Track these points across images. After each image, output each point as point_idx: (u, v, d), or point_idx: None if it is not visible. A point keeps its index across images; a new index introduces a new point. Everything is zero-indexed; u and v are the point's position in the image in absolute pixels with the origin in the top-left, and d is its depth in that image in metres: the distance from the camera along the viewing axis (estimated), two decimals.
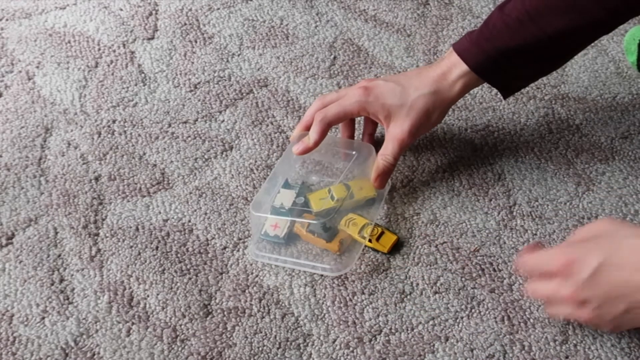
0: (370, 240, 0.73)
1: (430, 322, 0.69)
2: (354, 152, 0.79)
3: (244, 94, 0.93)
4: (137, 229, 0.77)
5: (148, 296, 0.71)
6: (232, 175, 0.83)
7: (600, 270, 0.58)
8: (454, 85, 0.76)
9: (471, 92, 0.93)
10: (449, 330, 0.68)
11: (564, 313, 0.64)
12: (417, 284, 0.72)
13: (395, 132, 0.76)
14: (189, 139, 0.87)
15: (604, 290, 0.58)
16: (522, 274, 0.71)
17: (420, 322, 0.69)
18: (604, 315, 0.60)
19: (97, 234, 0.76)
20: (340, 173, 0.80)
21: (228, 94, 0.93)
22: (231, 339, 0.68)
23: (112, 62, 0.97)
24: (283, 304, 0.70)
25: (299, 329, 0.69)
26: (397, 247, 0.75)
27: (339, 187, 0.76)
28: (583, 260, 0.59)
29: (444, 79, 0.76)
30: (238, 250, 0.75)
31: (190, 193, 0.81)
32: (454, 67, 0.76)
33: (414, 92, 0.76)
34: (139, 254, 0.75)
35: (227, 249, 0.75)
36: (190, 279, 0.72)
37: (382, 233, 0.74)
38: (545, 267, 0.63)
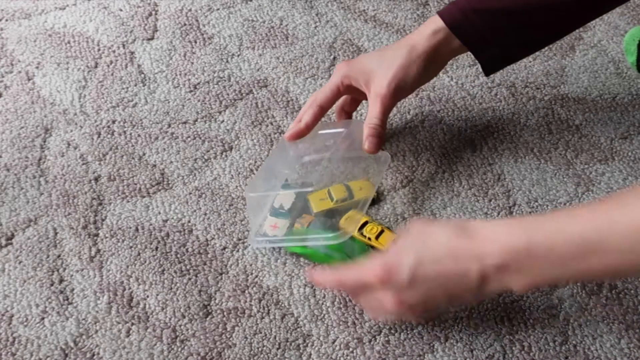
0: (369, 239, 0.73)
1: (430, 323, 0.69)
2: (341, 130, 0.80)
3: (244, 95, 0.93)
4: (137, 230, 0.77)
5: (148, 296, 0.71)
6: (232, 175, 0.83)
7: (415, 271, 0.58)
8: (428, 39, 0.76)
9: (470, 92, 0.93)
10: (449, 330, 0.68)
11: (392, 318, 0.67)
12: None
13: (375, 92, 0.76)
14: (189, 139, 0.87)
15: (424, 288, 0.59)
16: (334, 287, 0.70)
17: (420, 322, 0.69)
18: (428, 311, 0.65)
19: (97, 235, 0.76)
20: (331, 149, 0.79)
21: (228, 94, 0.93)
22: (231, 339, 0.68)
23: (111, 62, 0.97)
24: (283, 305, 0.70)
25: (298, 329, 0.69)
26: None
27: (338, 187, 0.76)
28: (399, 263, 0.59)
29: (418, 36, 0.77)
30: (238, 251, 0.75)
31: (190, 193, 0.81)
32: (429, 23, 0.77)
33: (389, 52, 0.77)
34: (139, 254, 0.75)
35: (226, 250, 0.75)
36: (189, 279, 0.72)
37: (381, 231, 0.74)
38: (364, 280, 0.61)
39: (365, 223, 0.74)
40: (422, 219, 0.73)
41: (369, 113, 0.77)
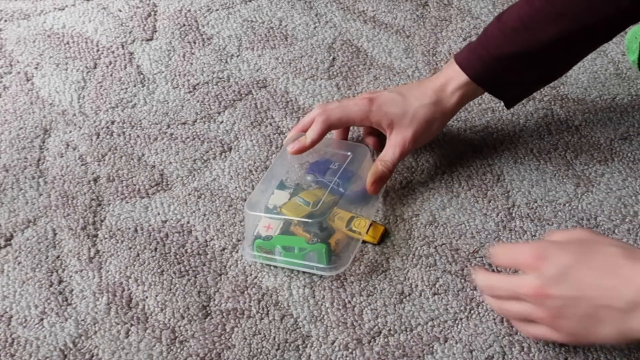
0: (360, 234, 0.73)
1: (430, 323, 0.69)
2: (348, 153, 0.79)
3: (243, 95, 0.93)
4: (136, 230, 0.77)
5: (147, 297, 0.71)
6: (231, 176, 0.83)
7: (569, 269, 0.57)
8: (452, 96, 0.78)
9: None
10: (448, 331, 0.68)
11: (522, 310, 0.62)
12: (416, 285, 0.72)
13: (397, 139, 0.78)
14: (188, 140, 0.87)
15: (570, 288, 0.57)
16: (493, 262, 0.69)
17: (420, 323, 0.69)
18: (564, 317, 0.58)
19: (96, 235, 0.76)
20: (334, 175, 0.79)
21: (227, 95, 0.93)
22: (230, 340, 0.68)
23: (110, 63, 0.97)
24: (282, 305, 0.70)
25: (298, 330, 0.69)
26: (394, 246, 0.75)
27: (306, 193, 0.76)
28: (553, 257, 0.59)
29: (443, 90, 0.78)
30: (237, 252, 0.75)
31: (189, 194, 0.81)
32: (453, 78, 0.78)
33: (415, 101, 0.78)
34: (138, 255, 0.74)
35: (226, 250, 0.75)
36: (189, 280, 0.72)
37: (370, 225, 0.75)
38: (515, 256, 0.62)
39: (352, 218, 0.74)
40: (590, 229, 0.73)
41: (385, 155, 0.78)
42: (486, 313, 0.70)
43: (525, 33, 0.74)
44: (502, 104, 0.88)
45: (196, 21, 1.04)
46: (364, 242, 0.75)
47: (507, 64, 0.75)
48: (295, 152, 0.77)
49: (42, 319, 0.69)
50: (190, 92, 0.93)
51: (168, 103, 0.92)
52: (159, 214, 0.79)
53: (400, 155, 0.78)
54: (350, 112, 0.78)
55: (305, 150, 0.77)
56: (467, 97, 0.79)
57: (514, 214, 0.78)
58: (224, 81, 0.95)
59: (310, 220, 0.73)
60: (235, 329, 0.68)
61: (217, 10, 1.06)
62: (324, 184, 0.78)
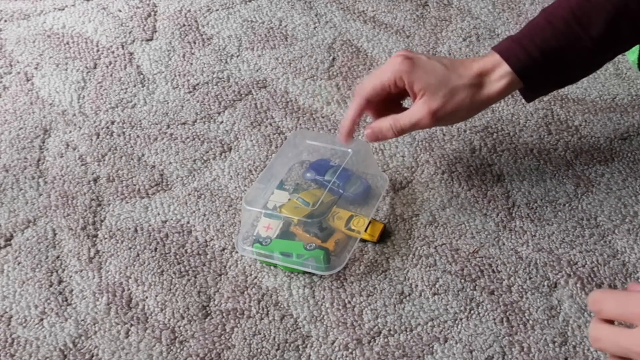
0: (359, 232, 0.74)
1: (429, 324, 0.69)
2: (349, 150, 0.79)
3: (243, 95, 0.93)
4: (136, 230, 0.77)
5: (147, 297, 0.71)
6: (231, 176, 0.83)
7: None
8: (495, 83, 0.70)
9: None
10: (448, 331, 0.68)
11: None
12: (416, 286, 0.72)
13: (421, 108, 0.70)
14: (188, 140, 0.87)
15: None
16: (595, 309, 0.54)
17: (419, 324, 0.69)
18: None
19: (96, 236, 0.76)
20: (334, 173, 0.79)
21: (227, 95, 0.93)
22: (230, 340, 0.68)
23: (110, 63, 0.97)
24: (282, 306, 0.70)
25: (297, 330, 0.69)
26: (394, 246, 0.75)
27: (305, 193, 0.76)
28: None
29: (486, 75, 0.71)
30: (237, 252, 0.75)
31: (189, 194, 0.81)
32: (496, 66, 0.70)
33: (457, 78, 0.70)
34: (138, 255, 0.74)
35: (225, 251, 0.75)
36: (189, 280, 0.72)
37: (369, 223, 0.75)
38: (629, 309, 0.51)
39: (351, 217, 0.75)
40: None
41: (402, 118, 0.71)
42: (486, 313, 0.70)
43: (575, 25, 0.68)
44: (501, 103, 0.88)
45: (196, 21, 1.04)
46: (363, 240, 0.75)
47: (552, 58, 0.69)
48: (343, 138, 0.73)
49: (42, 319, 0.69)
50: (190, 92, 0.93)
51: (168, 103, 0.92)
52: (159, 214, 0.79)
53: (416, 125, 0.70)
54: (382, 76, 0.71)
55: (350, 130, 0.73)
56: (510, 88, 0.71)
57: (514, 214, 0.78)
58: (224, 81, 0.95)
59: (310, 220, 0.73)
60: (235, 329, 0.68)
61: (217, 10, 1.06)
62: (323, 184, 0.78)
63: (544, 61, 0.69)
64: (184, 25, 1.03)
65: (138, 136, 0.87)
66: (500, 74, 0.70)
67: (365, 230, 0.74)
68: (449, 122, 0.74)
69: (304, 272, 0.72)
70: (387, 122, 0.71)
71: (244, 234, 0.74)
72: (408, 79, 0.70)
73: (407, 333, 0.68)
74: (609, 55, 0.72)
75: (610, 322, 0.52)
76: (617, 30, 0.68)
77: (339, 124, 0.73)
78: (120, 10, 1.06)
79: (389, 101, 0.74)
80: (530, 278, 0.72)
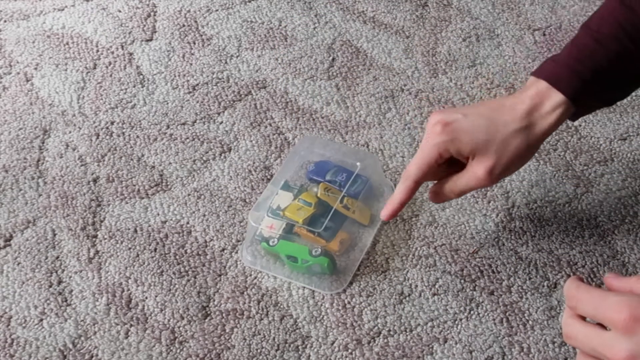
0: (354, 212, 0.75)
1: (429, 324, 0.69)
2: (357, 163, 0.79)
3: (243, 96, 0.93)
4: (136, 231, 0.77)
5: (146, 298, 0.71)
6: (231, 176, 0.83)
7: None
8: (547, 117, 0.64)
9: (470, 93, 0.93)
10: (448, 332, 0.68)
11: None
12: (416, 286, 0.72)
13: (477, 169, 0.64)
14: (188, 140, 0.87)
15: None
16: (573, 308, 0.53)
17: (419, 324, 0.69)
18: None
19: (96, 236, 0.76)
20: (335, 173, 0.79)
21: (226, 95, 0.93)
22: (229, 340, 0.68)
23: (110, 63, 0.97)
24: (282, 306, 0.70)
25: (297, 330, 0.68)
26: (394, 246, 0.75)
27: (306, 194, 0.76)
28: None
29: (536, 111, 0.64)
30: (236, 252, 0.75)
31: (189, 195, 0.81)
32: (546, 97, 0.64)
33: (504, 127, 0.64)
34: (137, 255, 0.74)
35: (225, 251, 0.75)
36: (188, 280, 0.72)
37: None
38: (604, 309, 0.50)
39: (344, 196, 0.76)
40: None
41: (459, 181, 0.66)
42: (486, 313, 0.70)
43: (629, 43, 0.63)
44: None
45: (196, 22, 1.04)
46: (355, 221, 0.76)
47: (606, 79, 0.64)
48: (387, 216, 0.69)
49: (41, 320, 0.69)
50: (189, 92, 0.93)
51: (168, 103, 0.92)
52: (158, 214, 0.78)
53: (474, 186, 0.65)
54: (424, 155, 0.65)
55: (397, 212, 0.69)
56: (563, 117, 0.65)
57: (513, 215, 0.78)
58: (224, 82, 0.95)
59: (315, 230, 0.73)
60: (235, 330, 0.68)
61: (217, 10, 1.06)
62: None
63: (598, 84, 0.64)
64: (184, 25, 1.03)
65: (138, 136, 0.87)
66: (552, 105, 0.64)
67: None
68: (511, 172, 0.68)
69: (304, 273, 0.72)
70: (446, 187, 0.67)
71: (247, 244, 0.75)
72: (454, 148, 0.65)
73: (407, 333, 0.68)
74: None
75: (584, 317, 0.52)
76: None
77: (387, 201, 0.69)
78: (120, 11, 1.06)
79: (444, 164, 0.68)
80: (530, 278, 0.72)
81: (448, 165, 0.68)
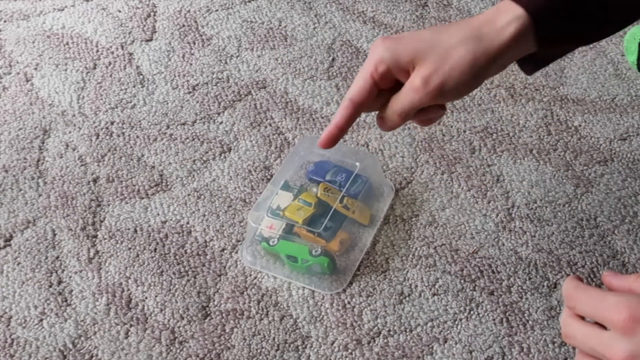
0: (354, 212, 0.75)
1: (429, 324, 0.69)
2: (357, 163, 0.79)
3: (243, 96, 0.93)
4: (136, 231, 0.77)
5: (146, 298, 0.71)
6: (231, 176, 0.83)
7: None
8: (501, 32, 0.56)
9: (469, 94, 0.93)
10: (448, 332, 0.68)
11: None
12: (416, 286, 0.72)
13: (414, 81, 0.57)
14: (187, 140, 0.87)
15: None
16: (568, 305, 0.53)
17: (419, 324, 0.69)
18: None
19: (95, 236, 0.76)
20: (335, 173, 0.79)
21: (226, 95, 0.93)
22: (229, 341, 0.68)
23: (110, 63, 0.97)
24: (281, 306, 0.70)
25: (297, 331, 0.68)
26: (394, 246, 0.75)
27: (305, 194, 0.76)
28: None
29: (489, 24, 0.56)
30: (236, 252, 0.75)
31: (189, 195, 0.81)
32: (503, 10, 0.56)
33: (448, 37, 0.57)
34: (137, 255, 0.74)
35: (225, 251, 0.75)
36: (188, 280, 0.72)
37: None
38: (602, 309, 0.49)
39: (343, 196, 0.76)
40: None
41: (396, 102, 0.58)
42: (486, 314, 0.70)
43: None
44: (501, 104, 0.88)
45: (196, 22, 1.04)
46: (355, 221, 0.76)
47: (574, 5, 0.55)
48: (322, 143, 0.60)
49: (41, 320, 0.69)
50: (189, 92, 0.93)
51: (167, 104, 0.92)
52: (158, 214, 0.78)
53: (413, 102, 0.57)
54: (363, 70, 0.59)
55: (334, 137, 0.60)
56: (521, 36, 0.56)
57: (513, 215, 0.78)
58: (224, 82, 0.95)
59: (315, 231, 0.73)
60: (235, 330, 0.68)
61: (217, 10, 1.06)
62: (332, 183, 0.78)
63: (565, 2, 0.56)
64: (184, 25, 1.03)
65: (138, 137, 0.87)
66: (508, 19, 0.55)
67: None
68: (454, 90, 0.58)
69: (304, 273, 0.72)
70: (388, 109, 0.59)
71: (247, 244, 0.75)
72: (391, 58, 0.57)
73: (407, 333, 0.68)
74: None
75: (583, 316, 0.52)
76: None
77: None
78: (119, 11, 1.06)
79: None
80: (530, 278, 0.72)
81: (391, 93, 0.60)
